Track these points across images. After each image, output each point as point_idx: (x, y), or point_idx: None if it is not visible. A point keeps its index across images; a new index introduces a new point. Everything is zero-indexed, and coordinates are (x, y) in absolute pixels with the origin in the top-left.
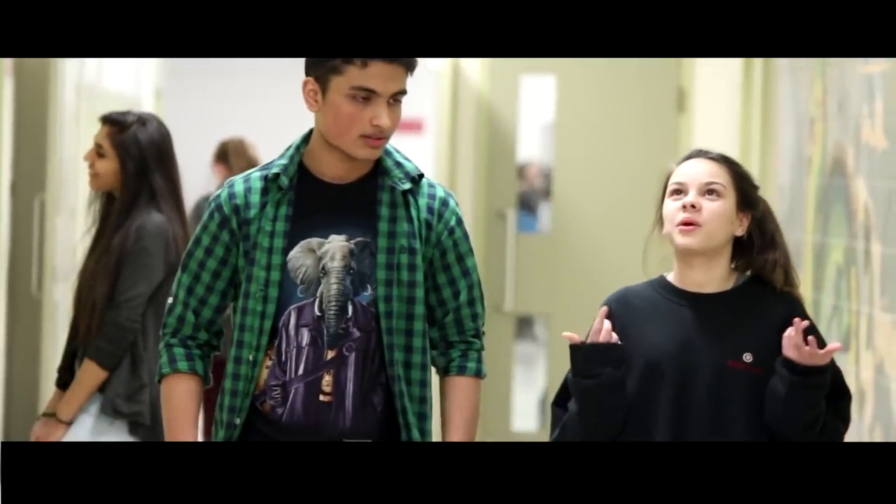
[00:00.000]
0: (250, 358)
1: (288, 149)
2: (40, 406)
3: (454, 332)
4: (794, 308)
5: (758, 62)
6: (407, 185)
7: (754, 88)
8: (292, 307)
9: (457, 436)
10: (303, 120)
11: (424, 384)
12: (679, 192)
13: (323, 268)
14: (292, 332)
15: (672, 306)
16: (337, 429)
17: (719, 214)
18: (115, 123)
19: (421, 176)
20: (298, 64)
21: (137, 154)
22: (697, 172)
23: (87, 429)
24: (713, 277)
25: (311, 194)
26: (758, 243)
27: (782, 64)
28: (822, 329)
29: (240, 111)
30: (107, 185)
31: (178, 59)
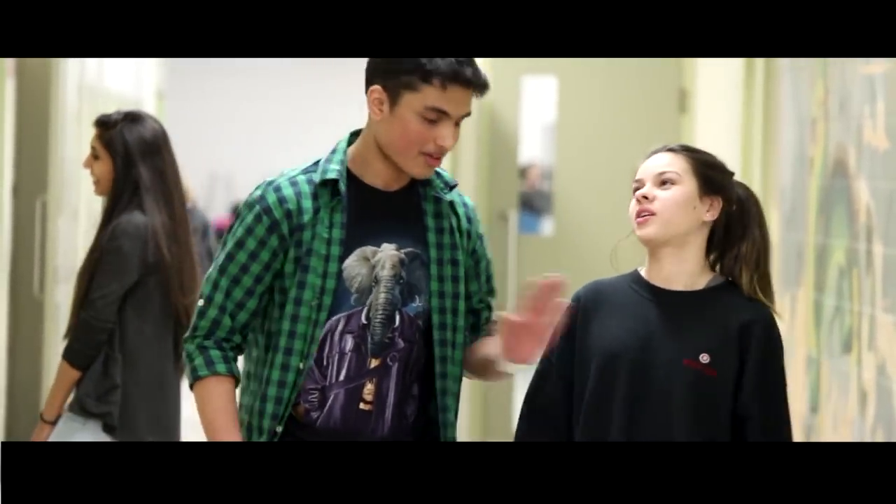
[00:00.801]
0: (300, 366)
1: (335, 152)
2: (42, 406)
3: (484, 325)
4: (759, 318)
5: (759, 62)
6: (450, 196)
7: (756, 89)
8: (342, 314)
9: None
10: (304, 121)
11: (458, 397)
12: (638, 188)
13: (375, 277)
14: (336, 337)
15: (639, 301)
16: (376, 437)
17: (673, 201)
18: (102, 124)
19: (455, 185)
20: (300, 64)
21: (122, 150)
22: (652, 165)
23: (56, 428)
24: (683, 270)
25: (362, 201)
26: (733, 233)
27: (783, 64)
28: (823, 331)
29: (242, 112)
30: (107, 188)
31: (179, 59)
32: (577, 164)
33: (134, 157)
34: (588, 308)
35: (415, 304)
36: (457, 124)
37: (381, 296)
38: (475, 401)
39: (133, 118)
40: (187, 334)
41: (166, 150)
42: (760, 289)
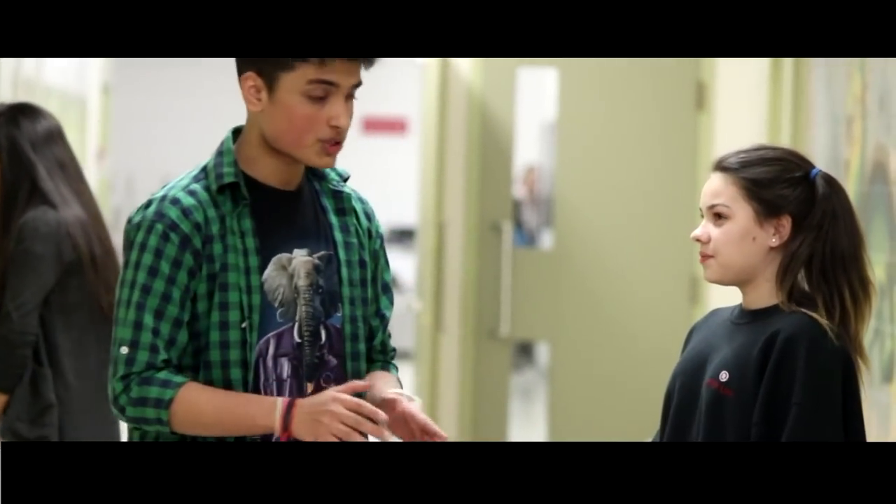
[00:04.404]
0: None
1: (222, 154)
2: None
3: (378, 353)
4: (787, 327)
5: None
6: (349, 190)
7: (784, 83)
8: (271, 335)
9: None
10: None
11: None
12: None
13: (295, 287)
14: (270, 363)
15: (723, 323)
16: None
17: (725, 241)
18: None
19: (348, 177)
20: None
21: (7, 144)
22: (706, 193)
23: None
24: (761, 295)
25: (264, 204)
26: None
27: None
28: None
29: (199, 108)
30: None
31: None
32: (580, 166)
33: (23, 148)
34: (692, 332)
35: (338, 313)
36: (348, 98)
37: (302, 309)
38: (465, 404)
39: (20, 109)
40: (116, 391)
41: (63, 145)
42: (828, 300)
